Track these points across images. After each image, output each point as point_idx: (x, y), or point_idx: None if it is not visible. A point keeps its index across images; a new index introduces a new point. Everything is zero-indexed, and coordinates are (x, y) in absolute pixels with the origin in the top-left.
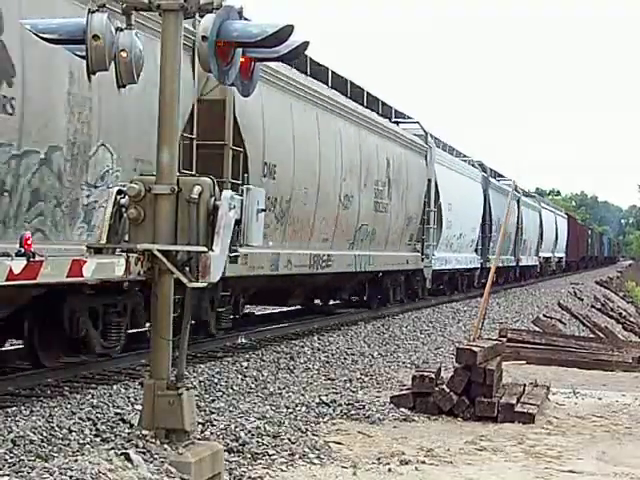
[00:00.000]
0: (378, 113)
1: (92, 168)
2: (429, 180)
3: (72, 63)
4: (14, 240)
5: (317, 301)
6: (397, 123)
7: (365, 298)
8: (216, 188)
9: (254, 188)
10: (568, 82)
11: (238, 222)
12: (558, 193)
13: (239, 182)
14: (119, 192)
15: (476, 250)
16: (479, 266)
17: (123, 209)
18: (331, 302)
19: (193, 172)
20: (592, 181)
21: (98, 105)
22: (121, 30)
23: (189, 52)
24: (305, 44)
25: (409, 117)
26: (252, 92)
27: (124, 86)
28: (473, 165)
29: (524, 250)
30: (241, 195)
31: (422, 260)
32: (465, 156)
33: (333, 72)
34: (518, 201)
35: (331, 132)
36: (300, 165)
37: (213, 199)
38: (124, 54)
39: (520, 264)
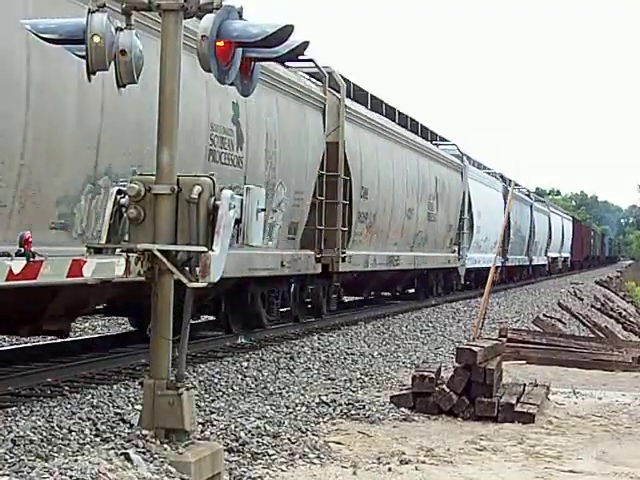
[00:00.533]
0: (425, 138)
1: (275, 198)
2: (463, 193)
3: (269, 130)
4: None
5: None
6: (438, 145)
7: (414, 291)
8: (216, 188)
9: (254, 188)
10: (568, 82)
11: (238, 222)
12: (558, 193)
13: (346, 202)
14: (119, 192)
15: None
16: (500, 264)
17: (123, 209)
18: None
19: (323, 197)
20: (592, 181)
21: (279, 157)
22: (121, 30)
23: (319, 111)
24: (305, 44)
25: (448, 140)
26: (252, 92)
27: (124, 86)
28: (495, 177)
29: (535, 251)
30: (241, 195)
31: (458, 260)
32: (488, 169)
33: (386, 104)
34: (531, 206)
35: (400, 160)
36: (382, 187)
37: (213, 199)
38: (124, 54)
39: (532, 263)
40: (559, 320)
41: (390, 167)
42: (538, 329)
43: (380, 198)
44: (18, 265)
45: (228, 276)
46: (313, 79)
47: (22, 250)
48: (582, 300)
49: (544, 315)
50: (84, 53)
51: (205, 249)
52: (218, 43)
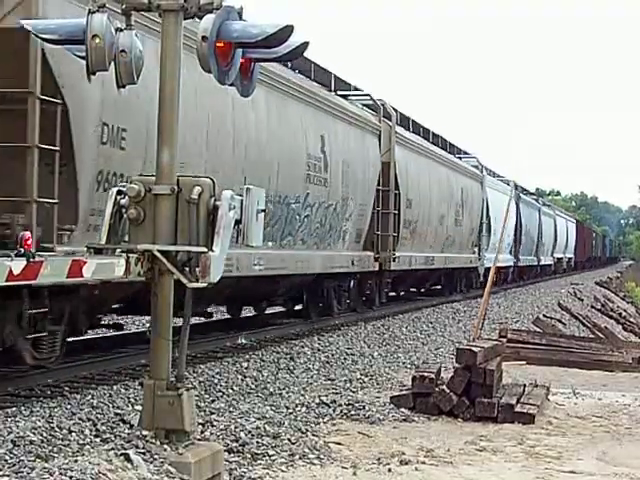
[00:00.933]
0: (451, 152)
1: (347, 210)
2: (482, 200)
3: (344, 155)
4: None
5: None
6: (461, 158)
7: (440, 287)
8: (216, 188)
9: (254, 188)
10: (568, 82)
11: (238, 222)
12: (558, 193)
13: (396, 212)
14: (119, 192)
15: (510, 252)
16: (512, 264)
17: (123, 209)
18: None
19: (380, 208)
20: (592, 181)
21: (350, 176)
22: (121, 30)
23: (376, 137)
24: (305, 44)
25: (468, 153)
26: (252, 92)
27: (124, 86)
28: (508, 184)
29: (543, 252)
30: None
31: (478, 260)
32: (501, 177)
33: (423, 127)
34: (539, 210)
35: (434, 174)
36: (422, 198)
37: (213, 199)
38: (124, 55)
39: (540, 263)
40: (559, 321)
41: (427, 180)
42: (538, 330)
43: (420, 207)
44: (18, 265)
45: (314, 272)
46: (369, 109)
47: (22, 250)
48: (582, 301)
49: (544, 316)
50: (84, 53)
51: (205, 249)
52: (218, 44)
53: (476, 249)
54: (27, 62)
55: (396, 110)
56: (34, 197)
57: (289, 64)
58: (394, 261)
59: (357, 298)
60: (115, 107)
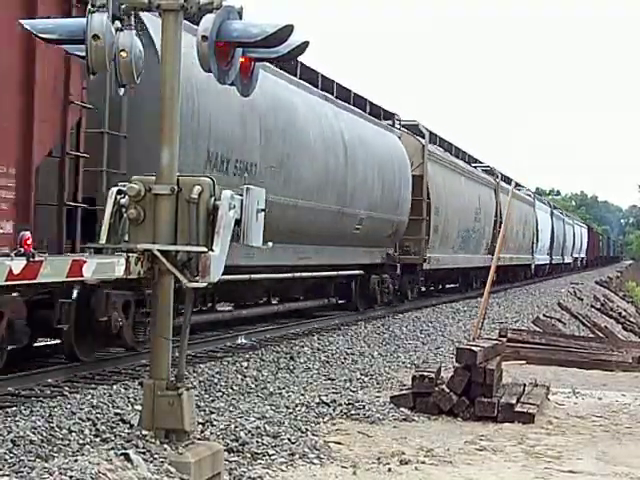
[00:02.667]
0: (469, 163)
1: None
2: (496, 204)
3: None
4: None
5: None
6: (476, 167)
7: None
8: (216, 188)
9: (254, 188)
10: (568, 82)
11: (238, 222)
12: (558, 193)
13: (428, 218)
14: (119, 192)
15: (547, 253)
16: (548, 262)
17: (123, 209)
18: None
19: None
20: (592, 181)
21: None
22: (121, 30)
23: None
24: (305, 44)
25: (483, 162)
26: (252, 92)
27: (124, 86)
28: (547, 204)
29: (566, 253)
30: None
31: (532, 259)
32: (521, 185)
33: (447, 141)
34: (563, 220)
35: (461, 186)
36: (449, 207)
37: (213, 199)
38: (124, 54)
39: (564, 262)
40: (559, 320)
41: (455, 192)
42: (538, 329)
43: (447, 214)
44: (18, 265)
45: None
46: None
47: (22, 250)
48: (582, 300)
49: (544, 315)
50: (84, 53)
51: (205, 249)
52: (218, 43)
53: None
54: None
55: (427, 129)
56: None
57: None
58: (425, 262)
59: (393, 293)
60: None
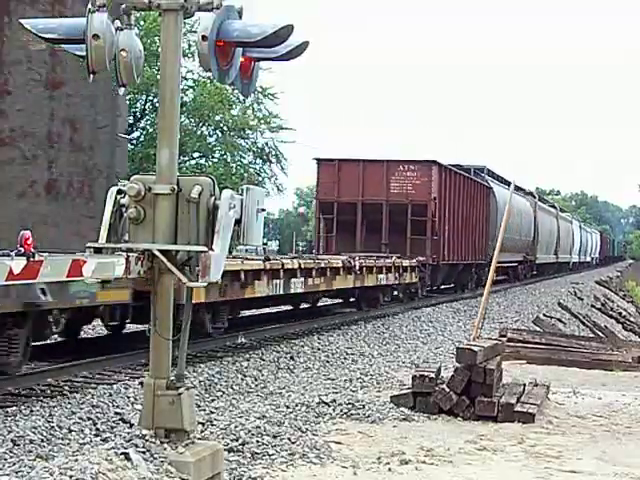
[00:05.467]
0: (517, 189)
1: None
2: (534, 218)
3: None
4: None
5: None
6: (518, 190)
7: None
8: (216, 188)
9: (254, 188)
10: (568, 82)
11: (238, 222)
12: (558, 193)
13: (536, 238)
14: (119, 192)
15: (577, 254)
16: (577, 260)
17: (123, 209)
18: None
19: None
20: (592, 181)
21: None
22: (121, 30)
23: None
24: (305, 44)
25: (524, 189)
26: (252, 92)
27: (124, 86)
28: (552, 205)
29: (587, 253)
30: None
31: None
32: (549, 202)
33: (506, 180)
34: (585, 230)
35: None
36: (514, 224)
37: (213, 199)
38: (124, 54)
39: (585, 260)
40: (559, 320)
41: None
42: (538, 329)
43: (512, 231)
44: (18, 265)
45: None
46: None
47: (22, 250)
48: (582, 300)
49: (544, 315)
50: (84, 53)
51: (205, 249)
52: (218, 43)
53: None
54: None
55: (537, 194)
56: None
57: None
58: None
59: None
60: None
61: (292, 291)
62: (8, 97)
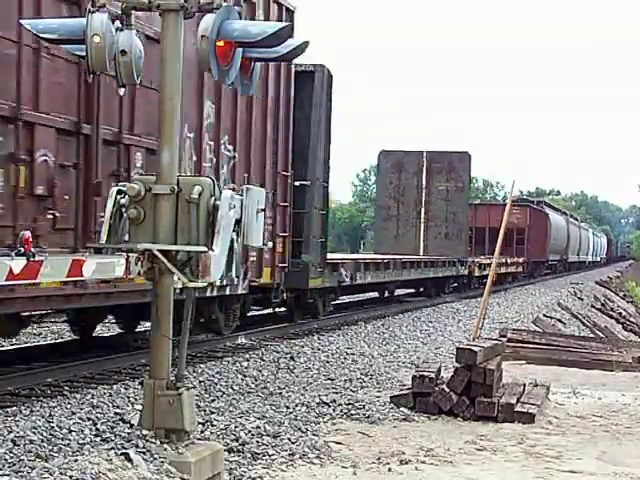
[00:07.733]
0: (552, 208)
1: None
2: (567, 230)
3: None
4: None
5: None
6: (555, 208)
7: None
8: (216, 188)
9: (254, 188)
10: (568, 82)
11: (238, 222)
12: (558, 193)
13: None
14: (119, 192)
15: (591, 254)
16: (591, 259)
17: (123, 209)
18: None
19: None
20: (592, 181)
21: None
22: (121, 30)
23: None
24: (305, 44)
25: (559, 209)
26: (252, 92)
27: (124, 86)
28: (575, 218)
29: (597, 254)
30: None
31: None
32: (572, 216)
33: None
34: (596, 235)
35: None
36: (572, 238)
37: (213, 199)
38: (124, 54)
39: (594, 260)
40: (559, 320)
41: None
42: (538, 329)
43: (556, 240)
44: (18, 265)
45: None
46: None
47: (22, 250)
48: (582, 300)
49: (544, 315)
50: (84, 53)
51: (205, 249)
52: (218, 43)
53: (586, 254)
54: None
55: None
56: None
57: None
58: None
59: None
60: None
61: None
62: None
